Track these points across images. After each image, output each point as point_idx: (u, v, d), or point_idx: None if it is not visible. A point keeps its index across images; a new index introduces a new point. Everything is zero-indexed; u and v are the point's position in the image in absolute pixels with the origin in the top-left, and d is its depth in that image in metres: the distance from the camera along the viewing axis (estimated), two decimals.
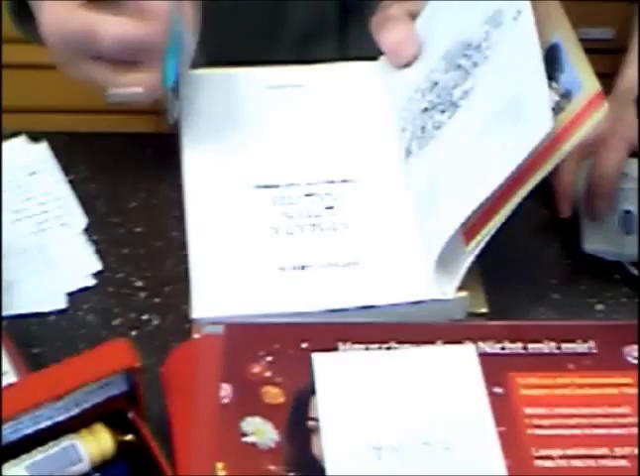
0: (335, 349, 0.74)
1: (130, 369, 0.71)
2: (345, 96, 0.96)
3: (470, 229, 0.80)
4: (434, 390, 0.72)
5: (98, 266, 0.89)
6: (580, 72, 0.77)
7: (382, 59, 0.97)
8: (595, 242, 0.90)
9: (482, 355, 0.73)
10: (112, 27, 0.80)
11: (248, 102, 0.95)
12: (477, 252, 0.80)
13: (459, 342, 0.74)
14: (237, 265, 0.84)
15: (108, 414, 0.73)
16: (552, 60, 0.79)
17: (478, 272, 0.83)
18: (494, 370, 0.73)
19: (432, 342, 0.74)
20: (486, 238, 0.79)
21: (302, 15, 1.09)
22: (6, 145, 0.97)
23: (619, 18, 2.00)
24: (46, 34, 0.81)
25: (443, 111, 0.87)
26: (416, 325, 0.76)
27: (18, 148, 0.97)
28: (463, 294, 0.81)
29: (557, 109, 0.76)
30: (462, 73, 0.87)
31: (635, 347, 0.74)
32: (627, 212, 0.90)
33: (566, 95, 0.77)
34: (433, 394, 0.72)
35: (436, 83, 0.90)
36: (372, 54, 0.97)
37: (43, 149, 0.97)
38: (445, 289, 0.81)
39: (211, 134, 0.92)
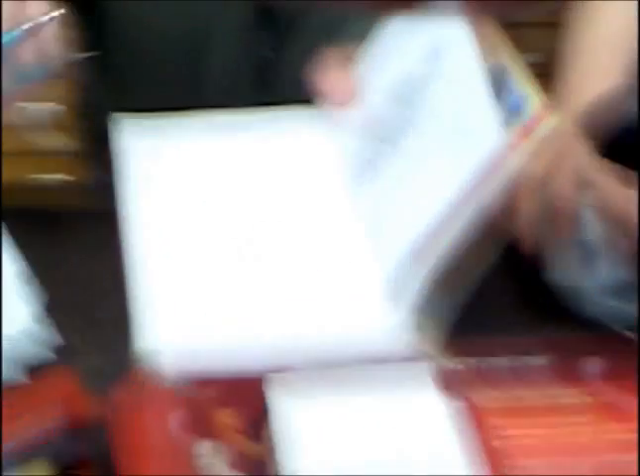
0: (287, 370, 0.72)
1: (74, 401, 0.68)
2: (290, 141, 0.95)
3: (420, 251, 0.79)
4: (392, 407, 0.70)
5: (44, 334, 0.85)
6: (525, 90, 0.77)
7: (324, 104, 0.97)
8: (559, 274, 0.89)
9: (438, 371, 0.72)
10: None
11: (190, 152, 0.94)
12: (428, 274, 0.78)
13: (413, 360, 0.72)
14: (183, 301, 0.82)
15: (54, 454, 0.70)
16: (497, 82, 0.79)
17: (432, 319, 0.82)
18: (452, 385, 0.71)
19: (386, 360, 0.72)
20: (439, 258, 0.78)
21: (220, 70, 1.09)
22: None
23: (547, 44, 2.12)
24: None
25: (389, 144, 0.87)
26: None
27: None
28: (424, 346, 0.80)
29: (505, 125, 0.76)
30: (406, 108, 0.87)
31: (593, 359, 0.73)
32: (585, 243, 0.90)
33: (513, 112, 0.77)
34: (392, 410, 0.70)
35: (380, 120, 0.90)
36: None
37: None
38: (400, 314, 0.80)
39: (153, 186, 0.91)
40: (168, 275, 0.84)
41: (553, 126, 0.74)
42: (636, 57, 1.04)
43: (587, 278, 0.89)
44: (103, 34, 1.12)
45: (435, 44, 0.85)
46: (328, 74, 0.95)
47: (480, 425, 0.69)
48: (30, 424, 0.68)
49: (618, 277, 0.90)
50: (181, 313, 0.81)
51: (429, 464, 0.67)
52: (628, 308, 0.87)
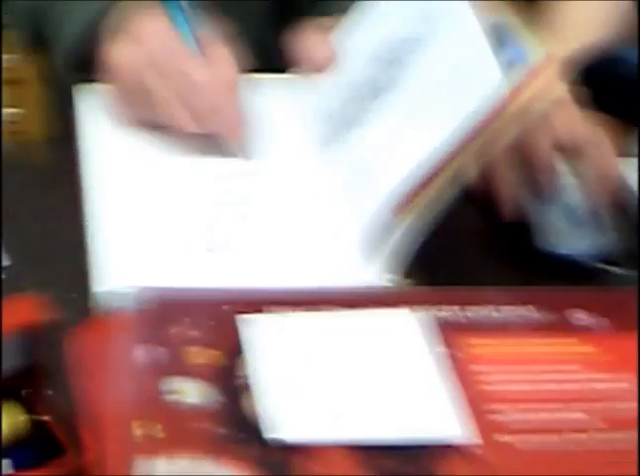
0: (260, 311, 0.67)
1: (31, 326, 0.63)
2: (265, 105, 0.92)
3: (405, 201, 0.76)
4: (371, 349, 0.66)
5: None
6: (525, 44, 0.75)
7: (302, 71, 0.94)
8: (546, 238, 0.87)
9: (420, 318, 0.68)
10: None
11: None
12: (408, 223, 0.75)
13: (394, 306, 0.69)
14: (147, 238, 0.78)
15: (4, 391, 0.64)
16: (497, 36, 0.77)
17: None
18: (434, 331, 0.67)
19: (365, 306, 0.69)
20: (421, 210, 0.75)
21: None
22: None
23: None
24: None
25: (373, 102, 0.84)
26: (347, 290, 0.71)
27: None
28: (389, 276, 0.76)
29: (507, 76, 0.74)
30: (393, 68, 0.84)
31: (580, 310, 0.70)
32: (570, 206, 0.88)
33: (514, 63, 0.75)
34: (371, 353, 0.66)
35: (360, 80, 0.87)
36: None
37: None
38: (376, 263, 0.76)
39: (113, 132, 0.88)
40: (128, 215, 0.80)
41: (553, 75, 0.72)
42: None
43: (574, 242, 0.87)
44: None
45: (428, 5, 0.83)
46: (306, 41, 0.92)
47: (464, 371, 0.65)
48: None
49: (604, 243, 0.88)
50: (141, 252, 0.77)
51: (409, 401, 0.63)
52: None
